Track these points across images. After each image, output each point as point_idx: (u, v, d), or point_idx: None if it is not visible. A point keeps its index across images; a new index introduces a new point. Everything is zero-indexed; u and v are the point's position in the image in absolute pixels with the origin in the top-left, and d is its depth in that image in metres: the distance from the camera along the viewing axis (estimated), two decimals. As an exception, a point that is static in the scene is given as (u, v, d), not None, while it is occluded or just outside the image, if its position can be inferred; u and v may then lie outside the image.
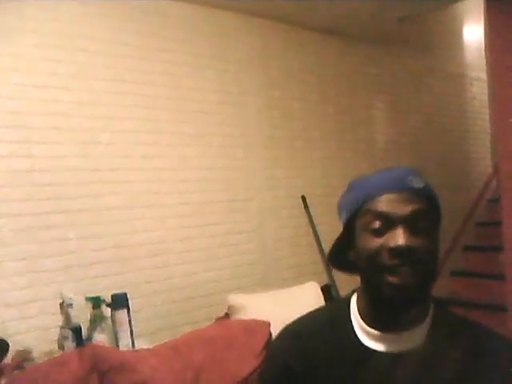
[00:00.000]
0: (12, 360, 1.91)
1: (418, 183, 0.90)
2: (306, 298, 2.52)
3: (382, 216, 0.86)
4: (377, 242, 0.85)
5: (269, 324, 1.87)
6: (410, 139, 4.09)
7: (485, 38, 4.60)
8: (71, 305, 2.15)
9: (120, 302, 2.14)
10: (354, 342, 0.90)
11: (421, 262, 0.84)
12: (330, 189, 3.40)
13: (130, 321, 2.13)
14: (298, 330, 0.97)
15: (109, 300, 2.15)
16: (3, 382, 1.52)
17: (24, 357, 1.96)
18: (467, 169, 4.72)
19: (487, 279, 4.07)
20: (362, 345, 0.89)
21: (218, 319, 2.53)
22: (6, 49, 2.18)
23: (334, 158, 3.50)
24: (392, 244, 0.83)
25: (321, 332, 0.95)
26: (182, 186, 2.72)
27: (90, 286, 2.32)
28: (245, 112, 3.03)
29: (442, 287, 4.28)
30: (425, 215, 0.87)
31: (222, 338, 1.74)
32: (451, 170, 4.47)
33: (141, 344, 2.16)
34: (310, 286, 2.70)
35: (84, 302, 2.15)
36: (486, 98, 4.74)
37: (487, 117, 4.79)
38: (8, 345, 1.93)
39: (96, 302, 2.13)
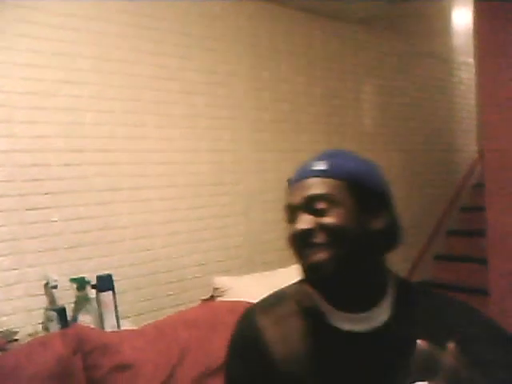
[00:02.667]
0: (-4, 341, 1.91)
1: (317, 166, 0.93)
2: (291, 281, 2.53)
3: (288, 208, 0.94)
4: (291, 230, 0.92)
5: (254, 306, 1.88)
6: (396, 123, 4.10)
7: (473, 22, 4.60)
8: (56, 286, 2.15)
9: (105, 283, 2.14)
10: (318, 322, 0.92)
11: (326, 241, 0.87)
12: (317, 172, 3.41)
13: (115, 302, 2.13)
14: (262, 315, 0.97)
15: (94, 282, 2.15)
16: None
17: (8, 338, 1.95)
18: (453, 153, 4.75)
19: (470, 263, 4.14)
20: (328, 326, 0.91)
21: (203, 301, 2.54)
22: (-13, 25, 2.12)
23: (322, 141, 3.49)
24: (292, 231, 0.91)
25: (285, 314, 0.96)
26: (167, 169, 2.70)
27: (74, 267, 2.30)
28: (232, 93, 3.01)
29: (424, 271, 4.35)
30: (323, 197, 0.89)
31: (206, 319, 1.75)
32: (437, 154, 4.50)
33: (126, 326, 2.16)
34: (294, 268, 2.71)
35: (69, 283, 2.15)
36: (473, 83, 4.75)
37: (474, 102, 4.81)
38: (-9, 326, 1.92)
39: (81, 283, 2.12)
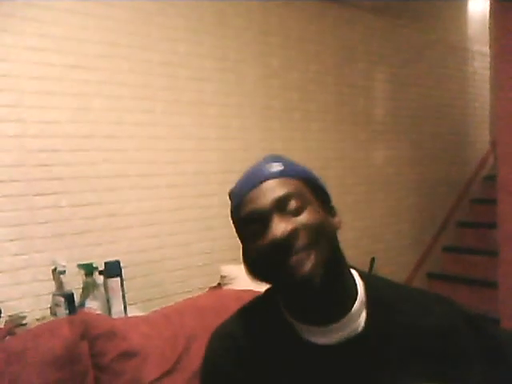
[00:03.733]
0: (4, 325, 1.92)
1: (273, 168, 0.85)
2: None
3: (248, 219, 0.82)
4: (259, 244, 0.80)
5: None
6: (408, 112, 4.05)
7: (489, 11, 4.51)
8: (64, 272, 2.15)
9: (113, 269, 2.13)
10: (290, 336, 0.84)
11: (309, 241, 0.78)
12: (326, 161, 3.38)
13: (122, 289, 2.13)
14: (231, 332, 0.90)
15: (101, 268, 2.15)
16: (-6, 346, 1.52)
17: (16, 322, 1.96)
18: (465, 144, 4.69)
19: (479, 255, 4.10)
20: (300, 339, 0.83)
21: (211, 288, 2.54)
22: (-4, 9, 2.11)
23: (332, 130, 3.46)
24: (268, 240, 0.78)
25: (255, 331, 0.88)
26: (176, 156, 2.68)
27: (82, 253, 2.31)
28: (242, 81, 2.98)
29: (434, 263, 4.32)
30: (295, 195, 0.81)
31: (213, 307, 1.74)
32: (448, 144, 4.44)
33: (133, 312, 2.17)
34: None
35: (76, 269, 2.15)
36: (487, 73, 4.68)
37: (487, 92, 4.74)
38: (0, 310, 1.93)
39: (88, 269, 2.12)
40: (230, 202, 0.91)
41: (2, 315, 1.95)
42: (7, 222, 2.13)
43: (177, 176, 2.69)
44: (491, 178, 4.09)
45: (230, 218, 0.90)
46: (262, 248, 0.79)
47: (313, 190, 0.86)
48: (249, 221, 0.82)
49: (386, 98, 3.94)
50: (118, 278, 2.13)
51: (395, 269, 3.82)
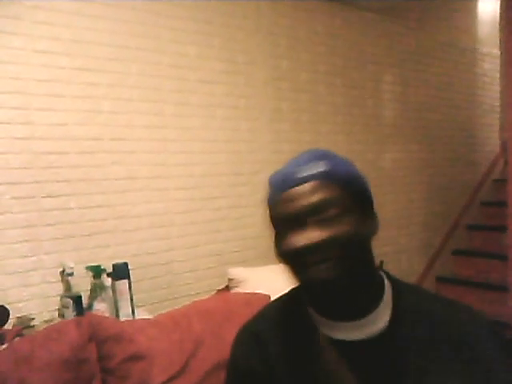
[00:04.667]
0: (12, 327, 1.92)
1: (316, 168, 0.81)
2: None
3: (284, 219, 0.82)
4: (290, 243, 0.80)
5: (269, 297, 1.86)
6: (417, 115, 4.02)
7: (500, 12, 4.47)
8: (72, 274, 2.15)
9: (121, 271, 2.13)
10: (314, 334, 0.85)
11: (339, 254, 0.77)
12: (335, 164, 3.36)
13: (130, 291, 2.13)
14: (257, 331, 0.91)
15: (109, 270, 2.15)
16: (2, 348, 1.52)
17: (24, 324, 1.96)
18: (474, 146, 4.65)
19: (489, 259, 4.06)
20: (324, 336, 0.84)
21: (218, 291, 2.53)
22: (5, 12, 2.12)
23: (341, 132, 3.44)
24: (300, 245, 0.78)
25: (280, 329, 0.89)
26: (185, 158, 2.68)
27: (90, 255, 2.31)
28: (251, 83, 2.97)
29: (443, 266, 4.28)
30: (330, 203, 0.79)
31: (221, 310, 1.74)
32: (458, 147, 4.41)
33: (141, 314, 2.17)
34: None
35: (85, 271, 2.15)
36: (497, 74, 4.64)
37: (498, 94, 4.70)
38: (8, 312, 1.93)
39: (96, 271, 2.12)
40: (267, 187, 0.90)
41: (11, 317, 1.95)
42: (16, 224, 2.14)
43: (186, 178, 2.68)
44: (501, 181, 4.05)
45: (259, 206, 0.90)
46: (292, 248, 0.80)
47: (354, 194, 0.82)
48: (284, 220, 0.82)
49: (396, 100, 3.92)
50: (126, 280, 2.13)
51: (404, 272, 3.79)
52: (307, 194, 0.80)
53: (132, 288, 2.15)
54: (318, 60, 3.32)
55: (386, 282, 0.88)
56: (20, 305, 2.12)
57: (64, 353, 1.39)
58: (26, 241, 2.16)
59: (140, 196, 2.51)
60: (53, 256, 2.22)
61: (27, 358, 1.36)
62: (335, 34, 3.42)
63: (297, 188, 0.81)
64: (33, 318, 2.02)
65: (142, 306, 2.40)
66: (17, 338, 1.74)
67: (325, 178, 0.80)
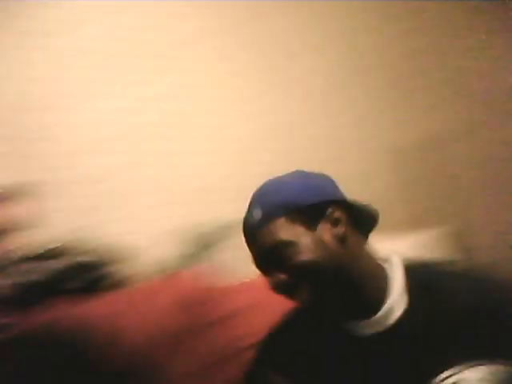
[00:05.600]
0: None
1: (254, 217, 0.86)
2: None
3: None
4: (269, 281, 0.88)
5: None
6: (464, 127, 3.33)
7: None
8: (203, 229, 2.19)
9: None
10: (337, 333, 0.89)
11: (309, 280, 0.83)
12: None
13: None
14: (284, 332, 0.97)
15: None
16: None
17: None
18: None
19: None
20: (345, 333, 0.89)
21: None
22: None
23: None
24: (270, 285, 0.87)
25: (307, 329, 0.93)
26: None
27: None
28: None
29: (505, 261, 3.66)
30: (278, 246, 0.83)
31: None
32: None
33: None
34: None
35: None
36: None
37: None
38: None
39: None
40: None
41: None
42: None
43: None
44: None
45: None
46: (270, 287, 0.89)
47: (304, 213, 0.84)
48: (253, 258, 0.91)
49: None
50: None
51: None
52: (258, 245, 0.87)
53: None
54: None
55: (398, 268, 0.90)
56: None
57: (185, 294, 1.47)
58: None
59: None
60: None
61: (152, 295, 1.46)
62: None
63: (249, 243, 0.90)
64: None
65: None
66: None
67: (264, 223, 0.85)
